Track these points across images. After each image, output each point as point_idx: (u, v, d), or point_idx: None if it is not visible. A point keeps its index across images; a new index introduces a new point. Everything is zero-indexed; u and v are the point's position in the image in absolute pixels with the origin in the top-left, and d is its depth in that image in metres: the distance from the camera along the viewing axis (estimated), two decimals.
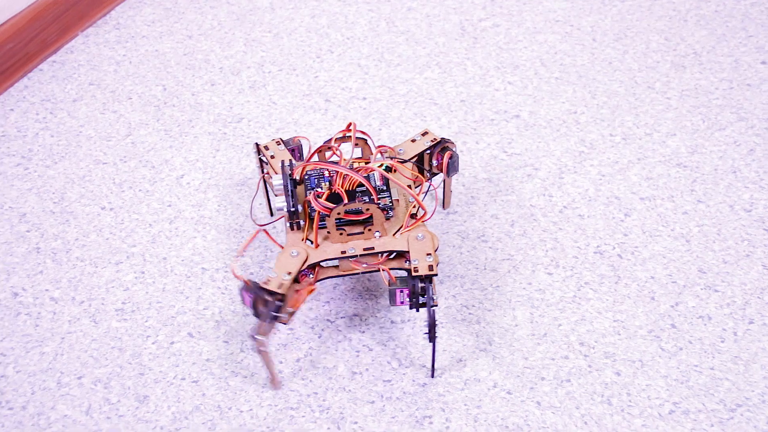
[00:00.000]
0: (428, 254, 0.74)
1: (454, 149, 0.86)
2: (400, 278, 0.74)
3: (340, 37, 1.23)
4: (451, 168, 0.86)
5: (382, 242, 0.76)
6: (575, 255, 0.89)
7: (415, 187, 0.81)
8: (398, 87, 1.13)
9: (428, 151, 0.86)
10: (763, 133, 1.02)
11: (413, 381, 0.78)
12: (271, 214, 0.94)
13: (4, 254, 0.91)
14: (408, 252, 0.75)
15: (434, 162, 0.86)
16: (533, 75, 1.14)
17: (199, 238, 0.93)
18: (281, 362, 0.80)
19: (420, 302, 0.73)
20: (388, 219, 0.78)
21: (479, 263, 0.89)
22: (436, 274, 0.72)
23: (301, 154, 0.87)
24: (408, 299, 0.74)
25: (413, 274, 0.72)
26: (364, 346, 0.81)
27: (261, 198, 0.97)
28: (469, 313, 0.84)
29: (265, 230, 0.81)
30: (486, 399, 0.77)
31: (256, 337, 0.71)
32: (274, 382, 0.77)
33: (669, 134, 1.03)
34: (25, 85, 1.14)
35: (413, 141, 0.86)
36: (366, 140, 0.85)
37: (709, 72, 1.12)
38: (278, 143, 0.85)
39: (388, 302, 0.83)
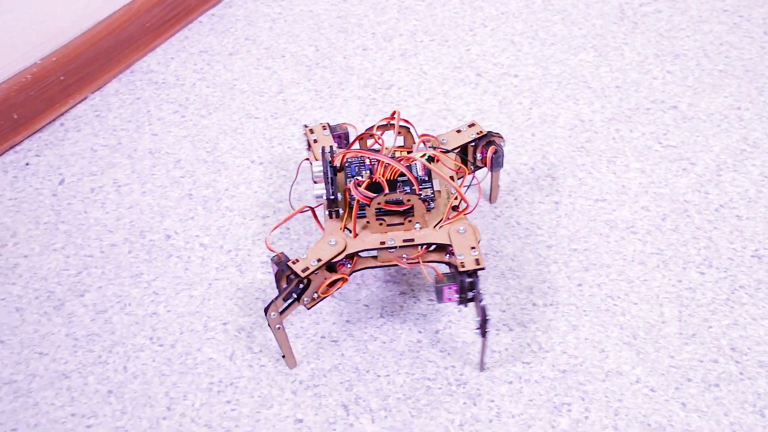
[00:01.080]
0: (472, 248, 0.72)
1: (501, 144, 0.82)
2: (447, 274, 0.72)
3: (494, 12, 1.21)
4: (496, 163, 0.83)
5: (423, 234, 0.74)
6: (730, 257, 0.86)
7: (458, 179, 0.79)
8: (551, 67, 1.11)
9: (473, 144, 0.83)
10: None
11: (553, 366, 0.77)
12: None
13: (160, 197, 0.95)
14: (449, 245, 0.73)
15: (479, 155, 0.83)
16: (695, 66, 1.09)
17: None
18: (420, 332, 0.80)
19: (469, 297, 0.71)
20: (429, 210, 0.76)
21: (627, 254, 0.87)
22: (483, 268, 0.70)
23: (347, 143, 0.85)
24: (456, 296, 0.72)
25: (460, 269, 0.70)
26: (504, 325, 0.81)
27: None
28: (614, 304, 0.82)
29: (312, 209, 0.78)
30: (628, 393, 0.75)
31: (269, 313, 0.71)
32: (289, 362, 0.77)
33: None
34: (185, 35, 1.17)
35: (458, 132, 0.83)
36: (408, 129, 0.83)
37: None
38: (324, 128, 0.83)
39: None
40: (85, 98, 1.08)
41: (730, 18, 1.16)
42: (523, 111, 1.04)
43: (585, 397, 0.75)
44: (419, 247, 0.74)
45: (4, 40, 0.97)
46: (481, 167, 0.84)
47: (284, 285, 0.72)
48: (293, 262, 0.71)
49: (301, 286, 0.72)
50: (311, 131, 0.83)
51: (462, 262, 0.71)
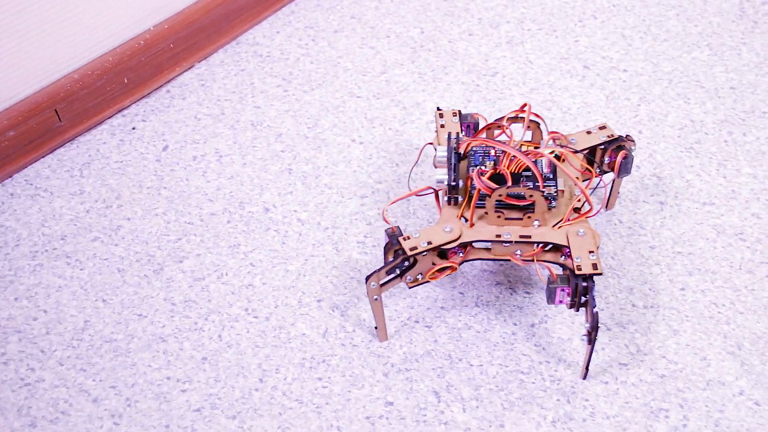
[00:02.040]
0: (591, 252, 0.70)
1: (631, 149, 0.80)
2: (561, 276, 0.70)
3: (605, 3, 1.18)
4: (623, 169, 0.80)
5: (541, 232, 0.72)
6: None
7: (583, 181, 0.77)
8: (663, 63, 1.08)
9: (602, 146, 0.80)
10: None
11: (651, 370, 0.75)
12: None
13: (260, 170, 0.96)
14: (566, 247, 0.71)
15: (606, 159, 0.80)
16: None
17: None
18: (515, 324, 0.79)
19: (581, 302, 0.70)
20: (549, 209, 0.74)
21: (734, 261, 0.84)
22: (600, 273, 0.68)
23: (475, 132, 0.83)
24: (568, 299, 0.70)
25: (576, 272, 0.69)
26: (602, 324, 0.79)
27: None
28: (718, 312, 0.80)
29: (435, 190, 0.77)
30: (730, 405, 0.73)
31: (369, 282, 0.71)
32: (380, 334, 0.77)
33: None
34: (291, 10, 1.18)
35: (588, 133, 0.81)
36: (539, 124, 0.81)
37: None
38: (454, 114, 0.82)
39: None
40: (192, 67, 1.10)
41: None
42: (631, 107, 1.02)
43: (684, 405, 0.73)
44: (535, 245, 0.73)
45: (121, 5, 1.00)
46: (606, 171, 0.82)
47: (390, 259, 0.72)
48: (404, 239, 0.71)
49: (407, 263, 0.72)
50: (441, 115, 0.83)
51: (579, 265, 0.69)
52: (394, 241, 0.71)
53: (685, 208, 0.89)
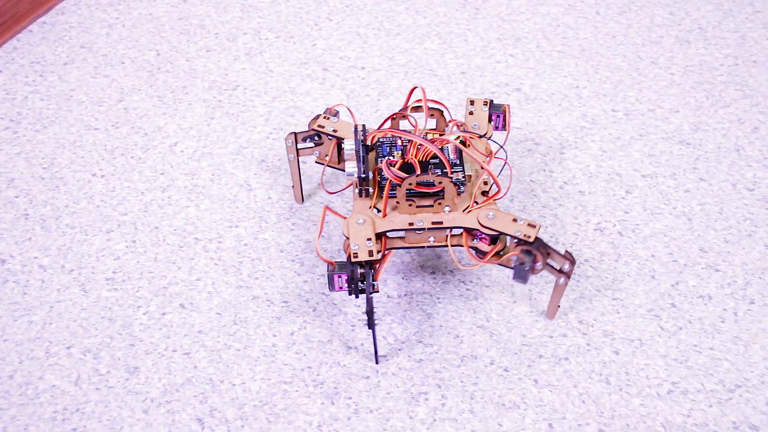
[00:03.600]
0: (514, 219, 0.72)
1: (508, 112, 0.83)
2: (524, 254, 0.71)
3: (339, 5, 1.20)
4: (507, 124, 0.83)
5: (451, 217, 0.74)
6: (575, 232, 0.88)
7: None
8: (397, 57, 1.11)
9: (488, 116, 0.82)
10: (767, 111, 1.01)
11: (409, 357, 0.77)
12: (302, 201, 0.92)
13: None
14: (475, 230, 0.73)
15: (492, 123, 0.83)
16: (535, 48, 1.12)
17: (192, 207, 0.91)
18: (275, 335, 0.79)
19: (563, 271, 0.73)
20: (459, 194, 0.76)
21: None
22: (540, 226, 0.72)
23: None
24: (538, 266, 0.72)
25: (530, 241, 0.71)
26: (359, 320, 0.80)
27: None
28: (467, 289, 0.83)
29: (328, 207, 0.77)
30: (483, 376, 0.76)
31: (373, 313, 0.71)
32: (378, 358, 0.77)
33: (672, 111, 1.01)
34: (14, 46, 1.11)
35: (471, 114, 0.82)
36: (441, 111, 0.83)
37: (714, 48, 1.10)
38: (326, 117, 0.83)
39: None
40: None
41: (565, 0, 1.20)
42: (372, 103, 1.04)
43: (441, 384, 0.75)
44: (447, 230, 0.74)
45: None
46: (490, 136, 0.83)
47: (359, 283, 0.70)
48: (354, 256, 0.69)
49: (372, 272, 0.70)
50: (321, 126, 0.82)
51: (526, 235, 0.71)
52: (352, 268, 0.69)
53: None
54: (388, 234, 0.75)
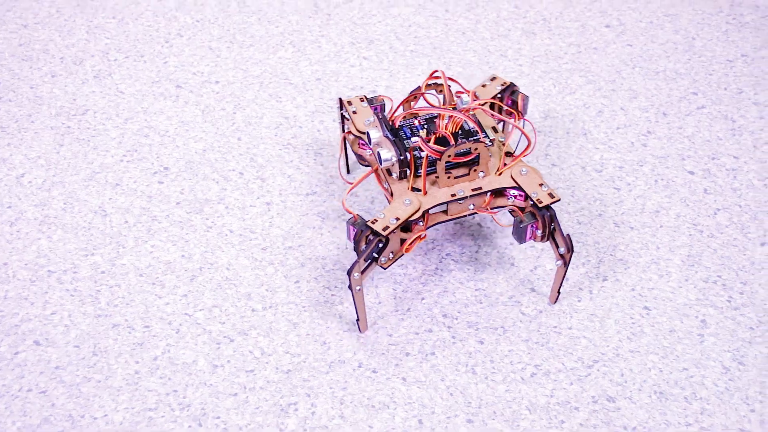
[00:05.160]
0: (541, 185, 0.75)
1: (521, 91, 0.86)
2: (526, 214, 0.74)
3: (189, 20, 1.18)
4: (525, 109, 0.85)
5: (488, 181, 0.76)
6: (436, 227, 0.89)
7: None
8: (252, 68, 1.10)
9: (499, 95, 0.84)
10: (609, 95, 1.04)
11: (277, 369, 0.76)
12: (348, 172, 0.94)
13: None
14: (509, 188, 0.76)
15: (504, 106, 0.85)
16: (388, 49, 1.13)
17: (44, 239, 0.87)
18: (137, 362, 0.77)
19: (551, 231, 0.74)
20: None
21: (340, 243, 0.88)
22: (559, 200, 0.74)
23: (383, 114, 0.84)
24: (539, 232, 0.74)
25: (539, 206, 0.73)
26: (224, 337, 0.79)
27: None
28: (332, 295, 0.83)
29: (377, 172, 0.79)
30: (351, 380, 0.76)
31: (353, 274, 0.72)
32: (361, 325, 0.78)
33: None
34: None
35: (484, 86, 0.85)
36: (450, 87, 0.84)
37: (558, 37, 1.14)
38: (362, 100, 0.84)
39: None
40: None
41: (415, 0, 1.21)
42: (227, 117, 1.03)
43: (311, 393, 0.75)
44: (487, 194, 0.76)
45: None
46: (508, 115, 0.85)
47: (363, 247, 0.72)
48: (372, 222, 0.72)
49: (381, 245, 0.72)
50: (349, 103, 0.83)
51: (539, 199, 0.73)
52: (362, 228, 0.72)
53: (290, 203, 0.92)
54: (429, 211, 0.76)
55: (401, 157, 0.75)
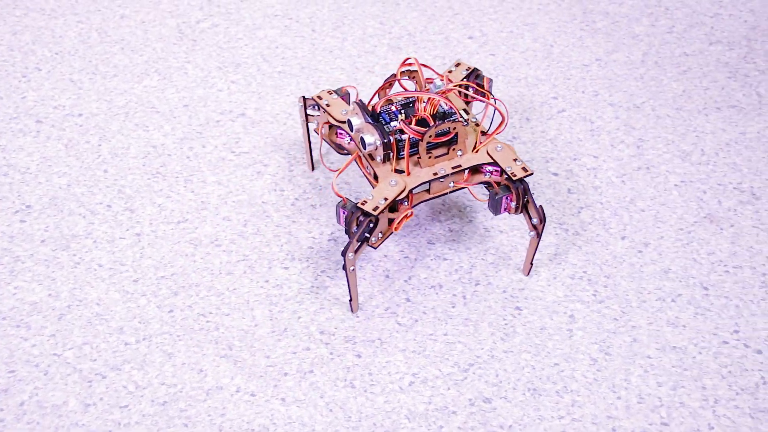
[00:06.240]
0: (515, 159, 0.79)
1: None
2: (501, 187, 0.79)
3: (47, 53, 1.16)
4: (490, 90, 0.89)
5: (467, 159, 0.81)
6: (310, 245, 0.90)
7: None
8: (116, 99, 1.09)
9: (465, 79, 0.89)
10: (475, 104, 1.08)
11: (152, 401, 0.76)
12: (312, 169, 0.98)
13: None
14: (485, 164, 0.80)
15: (476, 87, 0.89)
16: (256, 71, 1.13)
17: None
18: (2, 409, 0.74)
19: (524, 203, 0.79)
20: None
21: (214, 268, 0.87)
22: (532, 173, 0.78)
23: (361, 101, 0.85)
24: (513, 204, 0.79)
25: (513, 179, 0.77)
26: (96, 374, 0.77)
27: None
28: (207, 321, 0.82)
29: (359, 158, 0.83)
30: (230, 405, 0.76)
31: (347, 254, 0.75)
32: (353, 305, 0.82)
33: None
34: None
35: (450, 72, 0.90)
36: (421, 74, 0.88)
37: (423, 51, 1.17)
38: (330, 93, 0.88)
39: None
40: None
41: (281, 21, 1.22)
42: (92, 149, 1.01)
43: (189, 423, 0.74)
44: (466, 171, 0.80)
45: None
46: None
47: (354, 228, 0.75)
48: (362, 204, 0.76)
49: (372, 225, 0.75)
50: (320, 98, 0.88)
51: (513, 173, 0.78)
52: (353, 209, 0.75)
53: (162, 232, 0.91)
54: (413, 191, 0.80)
55: (385, 141, 0.79)
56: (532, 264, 0.85)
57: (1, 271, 0.86)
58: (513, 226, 0.92)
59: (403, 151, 0.80)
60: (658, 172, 0.98)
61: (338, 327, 0.82)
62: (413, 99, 0.83)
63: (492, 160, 0.80)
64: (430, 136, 0.79)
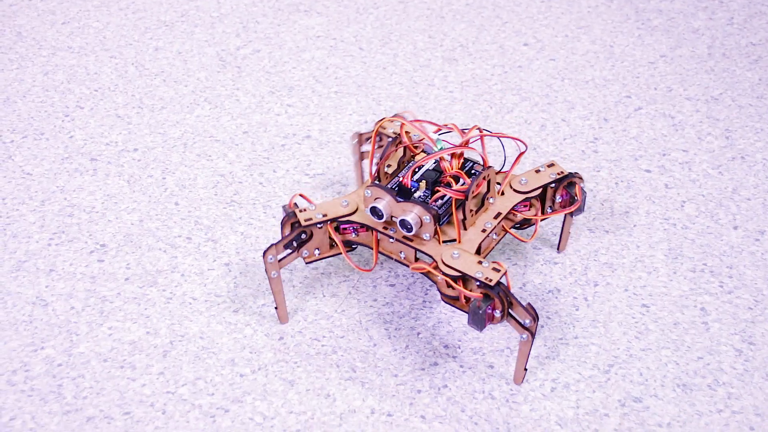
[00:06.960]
0: (479, 262, 0.72)
1: (582, 185, 0.82)
2: (483, 298, 0.71)
3: (86, 90, 1.16)
4: (580, 207, 0.82)
5: (501, 204, 0.79)
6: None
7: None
8: (170, 131, 1.09)
9: (552, 185, 0.81)
10: (547, 108, 1.11)
11: (284, 431, 0.75)
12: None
13: None
14: (519, 203, 0.79)
15: (558, 198, 0.82)
16: (311, 93, 1.15)
17: None
18: None
19: (508, 309, 0.72)
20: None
21: (316, 292, 0.87)
22: (506, 272, 0.71)
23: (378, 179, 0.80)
24: (498, 312, 0.72)
25: (490, 284, 0.70)
26: (218, 408, 0.77)
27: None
28: (322, 345, 0.82)
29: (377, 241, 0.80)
30: (368, 428, 0.75)
31: (267, 256, 0.74)
32: (280, 314, 0.81)
33: (463, 125, 1.08)
34: None
35: (537, 171, 0.82)
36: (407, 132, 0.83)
37: (480, 61, 1.19)
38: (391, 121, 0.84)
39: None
40: None
41: (325, 42, 1.24)
42: (157, 183, 1.01)
43: None
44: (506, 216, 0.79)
45: None
46: (554, 210, 0.83)
47: (286, 231, 0.75)
48: (300, 211, 0.75)
49: (303, 236, 0.74)
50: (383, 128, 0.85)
51: (487, 278, 0.70)
52: (289, 214, 0.74)
53: (251, 260, 0.91)
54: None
55: (433, 213, 0.73)
56: (526, 370, 0.77)
57: (90, 313, 0.85)
58: (617, 225, 0.93)
59: (443, 218, 0.76)
60: (754, 161, 1.01)
61: (462, 339, 0.82)
62: (421, 162, 0.78)
63: (525, 194, 0.79)
64: (472, 192, 0.75)
